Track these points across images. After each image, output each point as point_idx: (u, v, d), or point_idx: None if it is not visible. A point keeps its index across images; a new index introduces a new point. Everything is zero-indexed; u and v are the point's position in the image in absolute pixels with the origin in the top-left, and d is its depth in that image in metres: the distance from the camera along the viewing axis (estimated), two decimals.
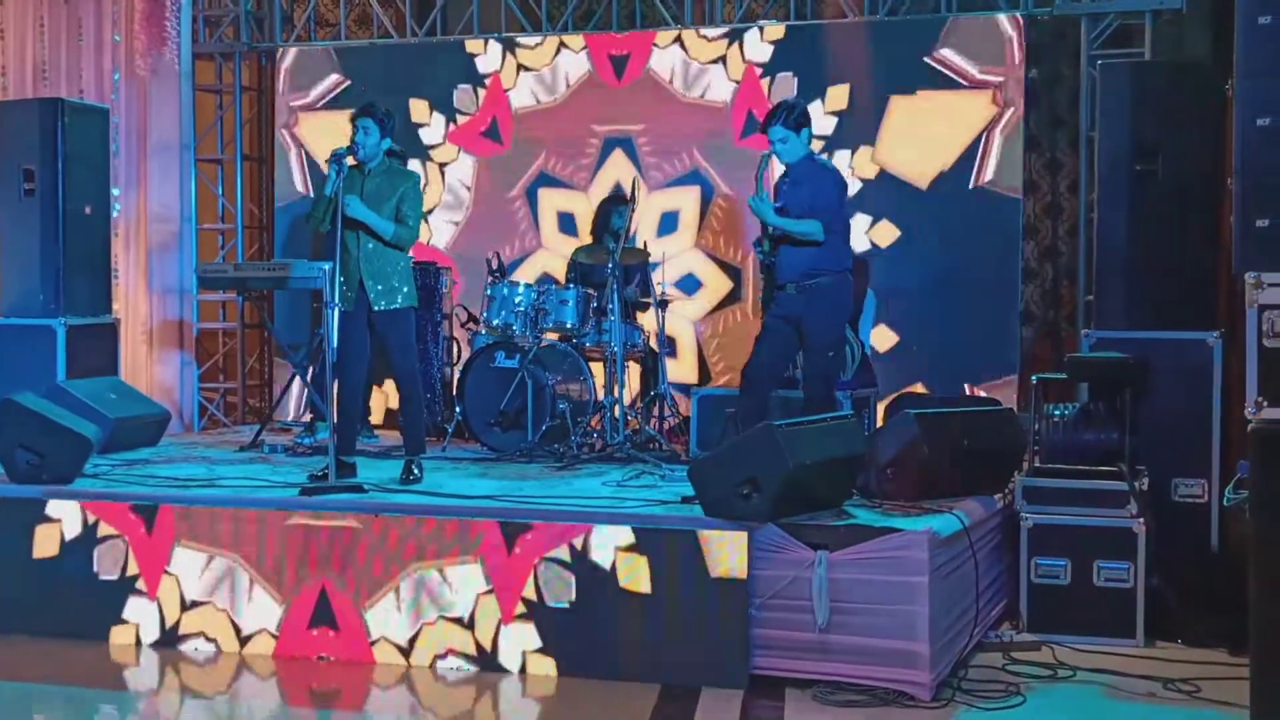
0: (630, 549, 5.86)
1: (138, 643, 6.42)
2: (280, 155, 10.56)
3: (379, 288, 6.97)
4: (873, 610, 5.53)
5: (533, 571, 5.98)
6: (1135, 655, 6.10)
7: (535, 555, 5.99)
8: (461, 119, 10.34)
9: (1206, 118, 7.14)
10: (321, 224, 6.96)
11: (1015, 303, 9.05)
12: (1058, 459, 6.75)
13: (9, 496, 6.65)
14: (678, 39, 9.91)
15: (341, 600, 6.20)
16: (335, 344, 6.65)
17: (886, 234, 9.44)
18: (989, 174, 9.08)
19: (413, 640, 6.11)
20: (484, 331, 8.58)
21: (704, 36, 9.84)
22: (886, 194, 9.35)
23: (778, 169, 7.34)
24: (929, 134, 9.23)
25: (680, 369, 9.72)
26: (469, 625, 6.05)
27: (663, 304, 8.58)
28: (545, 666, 5.93)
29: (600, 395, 8.27)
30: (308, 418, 9.37)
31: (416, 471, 7.01)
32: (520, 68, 10.20)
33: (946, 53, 9.19)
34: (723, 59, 9.82)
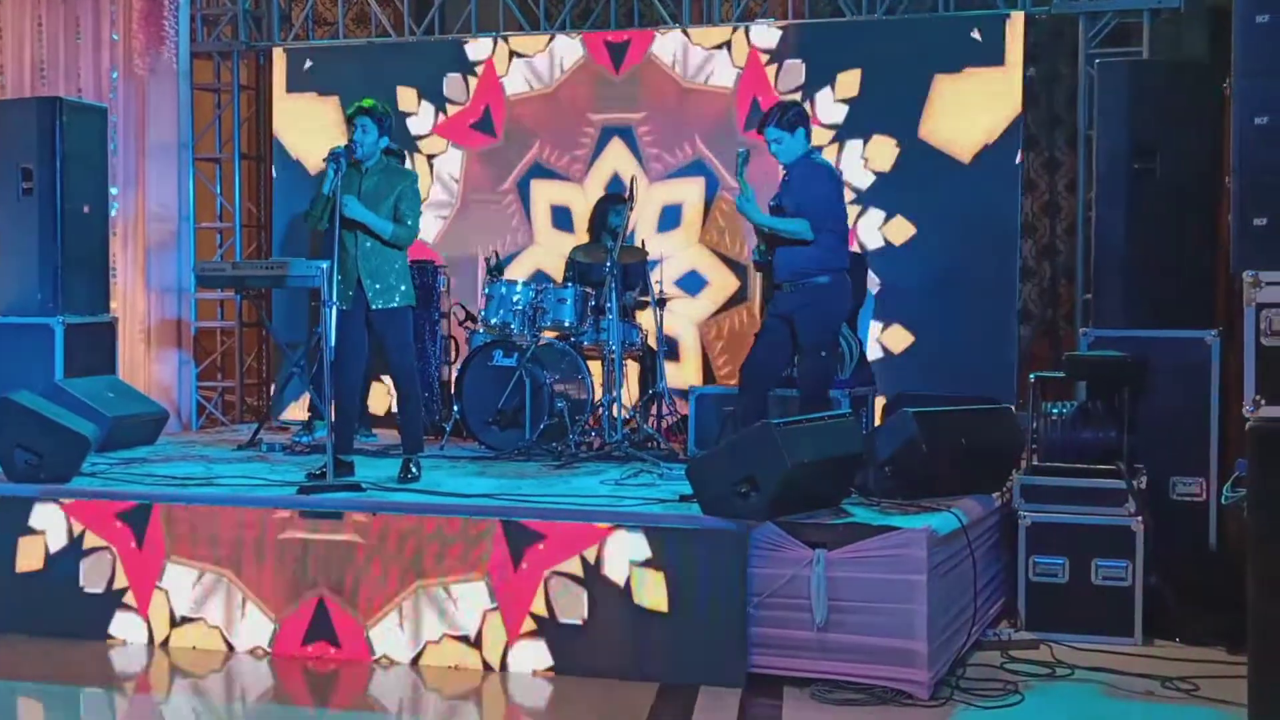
0: (646, 564, 5.80)
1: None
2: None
3: (377, 286, 6.97)
4: (871, 609, 5.53)
5: (542, 586, 5.92)
6: (1133, 654, 6.10)
7: (544, 568, 5.92)
8: (452, 108, 10.21)
9: (1204, 116, 7.14)
10: (319, 222, 6.95)
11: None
12: (1056, 457, 6.75)
13: None
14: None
15: (342, 617, 6.14)
16: (333, 342, 6.64)
17: (900, 230, 9.31)
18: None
19: (416, 660, 6.05)
20: (482, 330, 8.58)
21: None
22: (928, 168, 9.14)
23: (774, 168, 7.35)
24: (972, 110, 9.08)
25: (683, 373, 9.60)
26: (475, 643, 6.00)
27: (661, 303, 8.57)
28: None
29: (598, 394, 8.27)
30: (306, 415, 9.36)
31: (414, 470, 7.01)
32: (513, 54, 10.08)
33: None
34: (727, 44, 9.69)
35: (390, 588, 6.11)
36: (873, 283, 9.29)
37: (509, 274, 9.17)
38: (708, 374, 9.65)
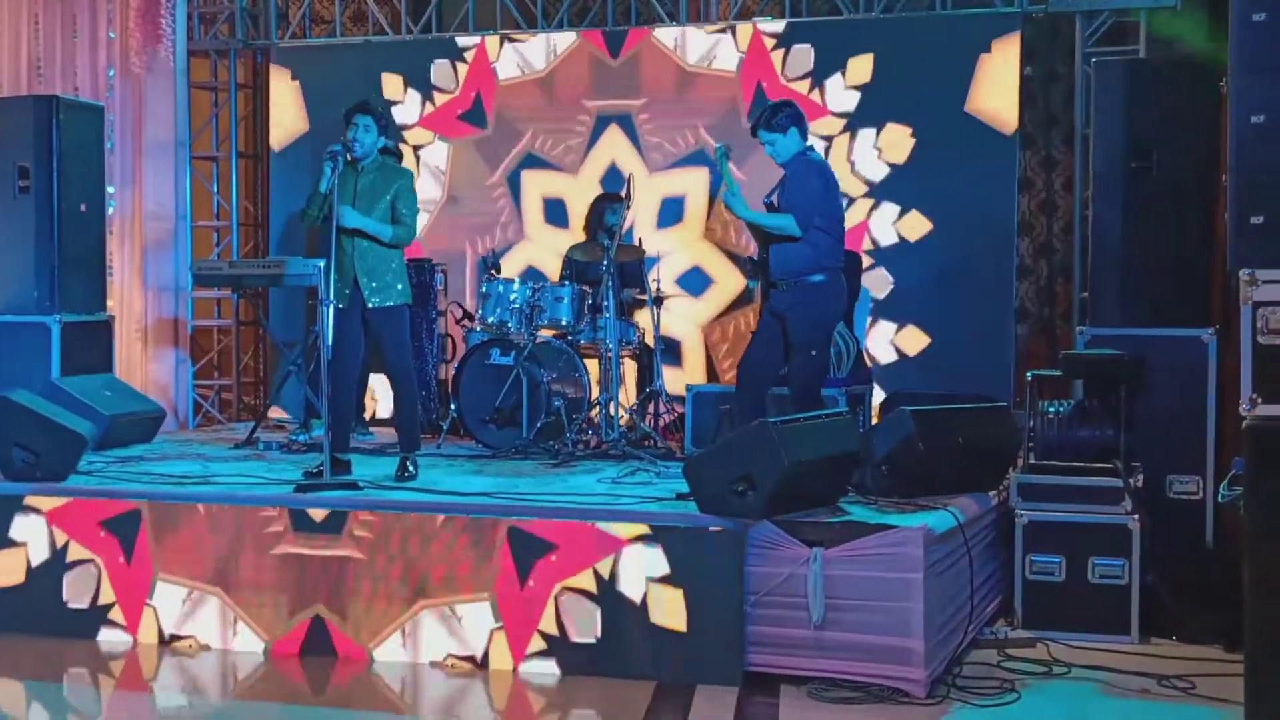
0: (664, 580, 5.73)
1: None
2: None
3: (373, 285, 6.97)
4: (868, 607, 5.53)
5: (552, 603, 5.84)
6: (1130, 652, 6.11)
7: (555, 582, 5.84)
8: (440, 97, 10.02)
9: (1201, 115, 7.14)
10: (316, 221, 6.95)
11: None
12: (1053, 456, 6.74)
13: None
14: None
15: (342, 638, 6.08)
16: (330, 341, 6.64)
17: (915, 226, 9.11)
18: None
19: None
20: (479, 328, 8.58)
21: None
22: (973, 141, 9.01)
23: (768, 166, 7.33)
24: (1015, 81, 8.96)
25: (685, 378, 9.37)
26: (482, 664, 5.94)
27: (658, 301, 8.57)
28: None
29: (595, 392, 8.27)
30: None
31: (411, 468, 7.01)
32: (505, 39, 9.92)
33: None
34: (732, 29, 9.53)
35: (394, 608, 6.02)
36: (886, 281, 9.18)
37: (483, 268, 9.04)
38: (711, 379, 9.50)
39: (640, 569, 5.76)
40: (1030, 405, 6.91)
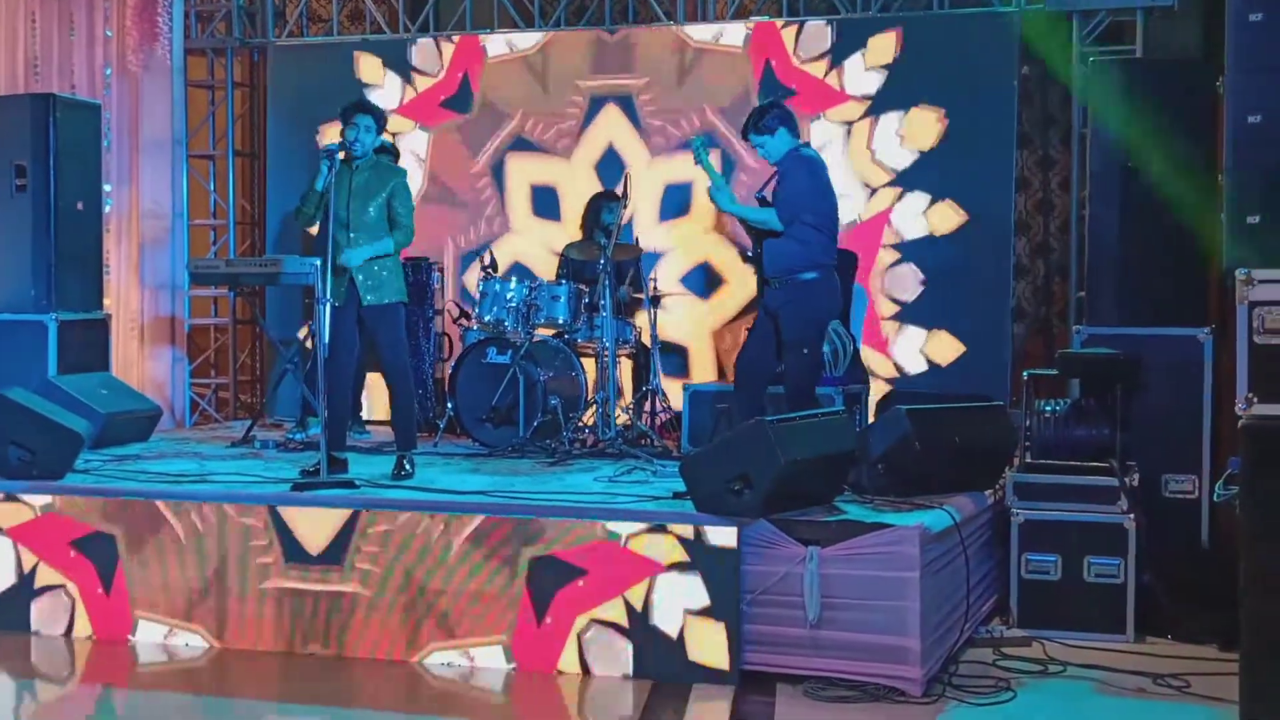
0: (704, 613, 5.57)
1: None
2: None
3: (369, 283, 6.97)
4: (864, 606, 5.53)
5: (574, 639, 5.65)
6: (1125, 651, 6.11)
7: (579, 612, 5.65)
8: (422, 80, 9.61)
9: (1198, 115, 7.14)
10: (312, 220, 6.95)
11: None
12: (1049, 455, 6.75)
13: None
14: None
15: None
16: (326, 339, 6.64)
17: (947, 217, 8.69)
18: None
19: None
20: (476, 327, 8.58)
21: None
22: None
23: (757, 166, 7.29)
24: None
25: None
26: None
27: (655, 300, 8.57)
28: None
29: (592, 391, 8.27)
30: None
31: (408, 467, 7.01)
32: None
33: None
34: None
35: (397, 650, 5.82)
36: (914, 279, 8.88)
37: (478, 268, 8.83)
38: None
39: (677, 599, 5.60)
40: (1027, 404, 6.92)
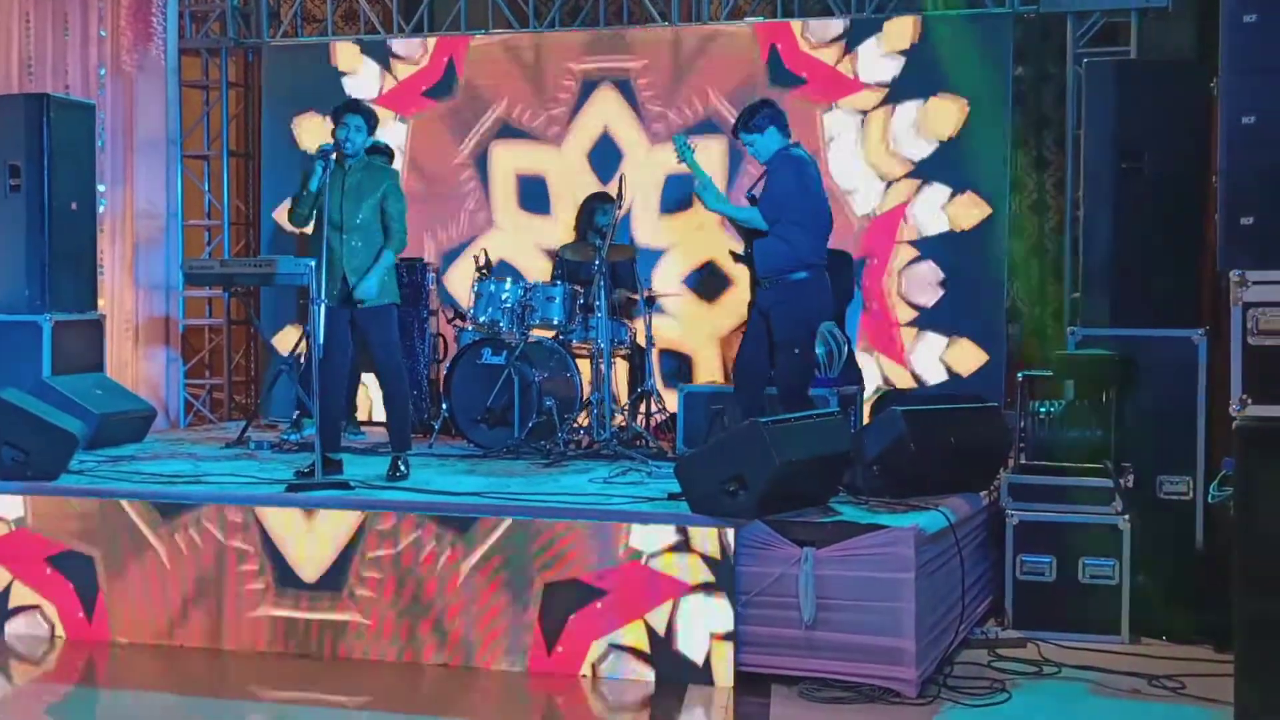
0: (729, 638, 5.47)
1: None
2: None
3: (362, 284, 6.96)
4: (859, 607, 5.53)
5: (588, 665, 5.48)
6: (1120, 652, 6.12)
7: (596, 636, 5.50)
8: (403, 68, 9.25)
9: (1191, 116, 7.15)
10: (305, 221, 6.95)
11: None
12: (1043, 456, 6.76)
13: None
14: None
15: None
16: (320, 340, 6.63)
17: (969, 211, 8.31)
18: None
19: None
20: (470, 328, 8.58)
21: None
22: None
23: (750, 165, 7.23)
24: None
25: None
26: None
27: (650, 301, 8.56)
28: None
29: (587, 392, 8.27)
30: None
31: (403, 468, 7.00)
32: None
33: None
34: None
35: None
36: (933, 279, 8.63)
37: (459, 266, 8.57)
38: None
39: (703, 622, 5.50)
40: (1021, 405, 6.92)
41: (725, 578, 5.50)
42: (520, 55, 9.07)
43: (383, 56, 9.56)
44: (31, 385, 7.84)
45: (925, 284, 8.77)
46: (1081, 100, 7.86)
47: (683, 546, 5.60)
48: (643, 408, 8.66)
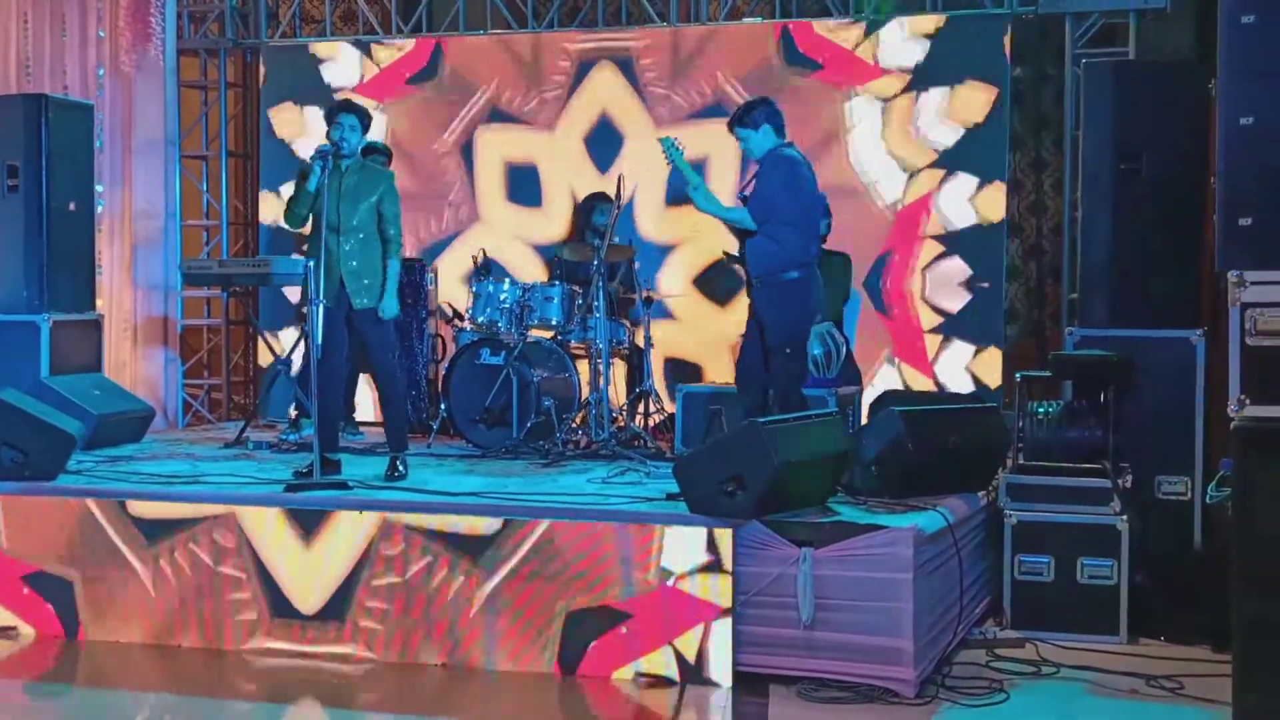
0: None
1: None
2: None
3: (359, 285, 6.96)
4: (857, 607, 5.53)
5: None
6: (1118, 652, 6.12)
7: (620, 665, 5.39)
8: (384, 54, 8.90)
9: (1190, 117, 7.16)
10: (302, 222, 6.95)
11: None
12: (1042, 456, 6.76)
13: None
14: None
15: None
16: (319, 340, 6.63)
17: (998, 201, 8.04)
18: None
19: None
20: (469, 328, 8.58)
21: None
22: None
23: (723, 175, 7.16)
24: None
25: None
26: None
27: (648, 301, 8.56)
28: None
29: (585, 392, 8.27)
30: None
31: (401, 468, 7.00)
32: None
33: None
34: None
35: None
36: (959, 278, 8.41)
37: (441, 264, 8.21)
38: None
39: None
40: (1019, 406, 6.93)
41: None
42: (512, 39, 8.56)
43: (363, 44, 9.34)
44: (30, 385, 7.84)
45: (952, 285, 8.44)
46: (1080, 101, 7.88)
47: (715, 567, 5.49)
48: (641, 408, 8.66)
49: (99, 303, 9.33)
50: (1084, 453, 6.71)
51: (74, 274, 8.83)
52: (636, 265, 8.50)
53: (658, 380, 8.57)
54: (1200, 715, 5.27)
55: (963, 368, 8.30)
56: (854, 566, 5.55)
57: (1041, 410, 6.92)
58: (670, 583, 5.49)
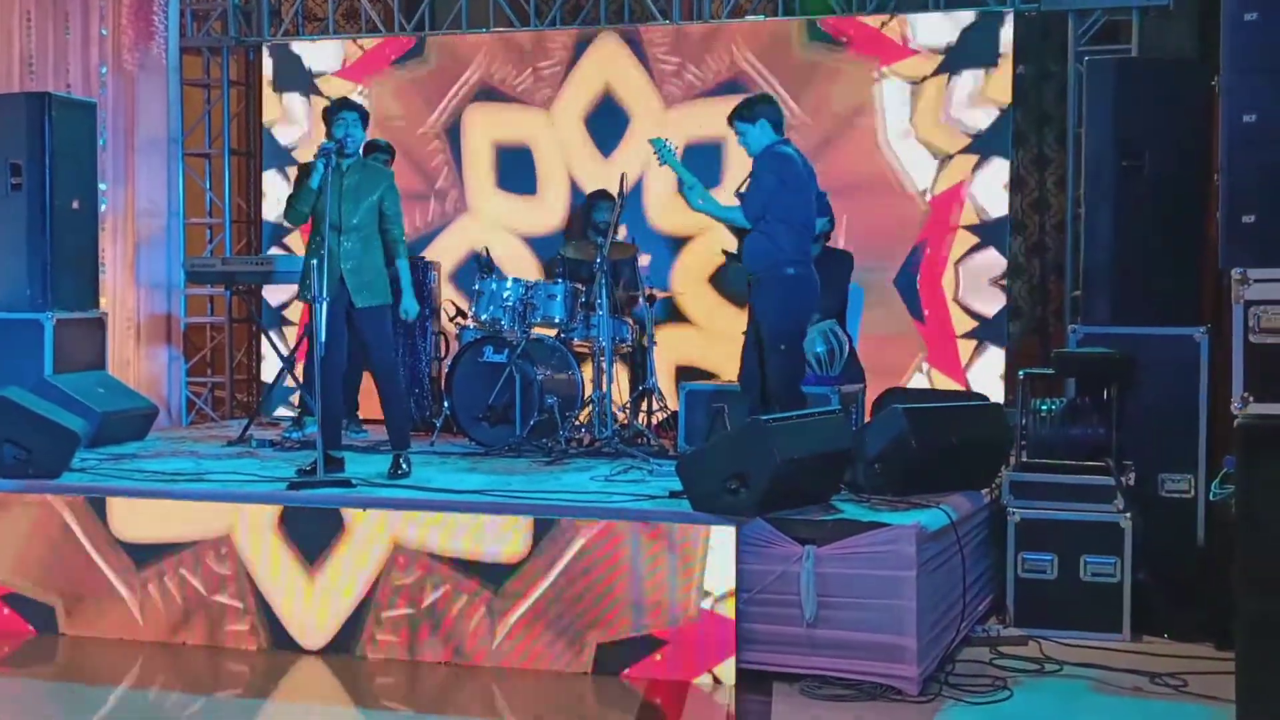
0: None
1: None
2: None
3: (359, 283, 6.96)
4: (860, 605, 5.54)
5: None
6: (1122, 650, 6.12)
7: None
8: (368, 39, 8.70)
9: (1192, 114, 7.15)
10: (303, 219, 6.95)
11: None
12: (1045, 454, 6.76)
13: None
14: None
15: None
16: (323, 338, 6.64)
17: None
18: None
19: None
20: (472, 326, 8.58)
21: None
22: None
23: (739, 159, 7.09)
24: None
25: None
26: None
27: (650, 299, 8.56)
28: None
29: (588, 390, 8.27)
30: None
31: (405, 466, 7.01)
32: None
33: None
34: None
35: None
36: (996, 266, 8.10)
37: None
38: None
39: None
40: (1023, 403, 6.93)
41: None
42: (512, 36, 8.11)
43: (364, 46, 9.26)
44: (33, 384, 7.84)
45: (984, 285, 8.13)
46: (1082, 98, 7.86)
47: None
48: (644, 406, 8.66)
49: (102, 301, 9.34)
50: (1087, 450, 6.70)
51: (77, 272, 8.84)
52: (645, 262, 8.48)
53: (665, 383, 8.55)
54: (1203, 713, 5.27)
55: (997, 377, 7.91)
56: (857, 564, 5.55)
57: (1044, 408, 6.92)
58: (708, 605, 5.42)
